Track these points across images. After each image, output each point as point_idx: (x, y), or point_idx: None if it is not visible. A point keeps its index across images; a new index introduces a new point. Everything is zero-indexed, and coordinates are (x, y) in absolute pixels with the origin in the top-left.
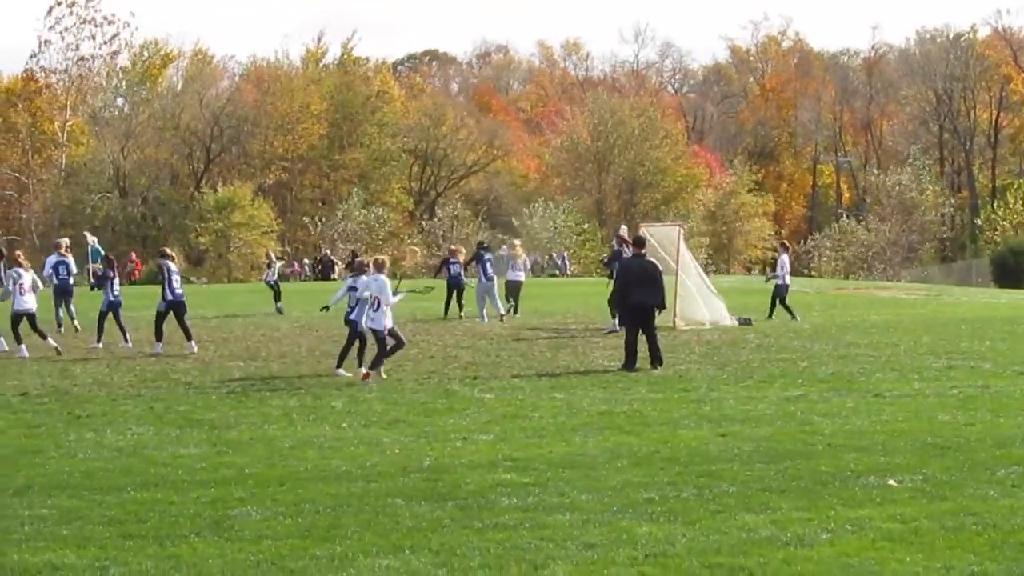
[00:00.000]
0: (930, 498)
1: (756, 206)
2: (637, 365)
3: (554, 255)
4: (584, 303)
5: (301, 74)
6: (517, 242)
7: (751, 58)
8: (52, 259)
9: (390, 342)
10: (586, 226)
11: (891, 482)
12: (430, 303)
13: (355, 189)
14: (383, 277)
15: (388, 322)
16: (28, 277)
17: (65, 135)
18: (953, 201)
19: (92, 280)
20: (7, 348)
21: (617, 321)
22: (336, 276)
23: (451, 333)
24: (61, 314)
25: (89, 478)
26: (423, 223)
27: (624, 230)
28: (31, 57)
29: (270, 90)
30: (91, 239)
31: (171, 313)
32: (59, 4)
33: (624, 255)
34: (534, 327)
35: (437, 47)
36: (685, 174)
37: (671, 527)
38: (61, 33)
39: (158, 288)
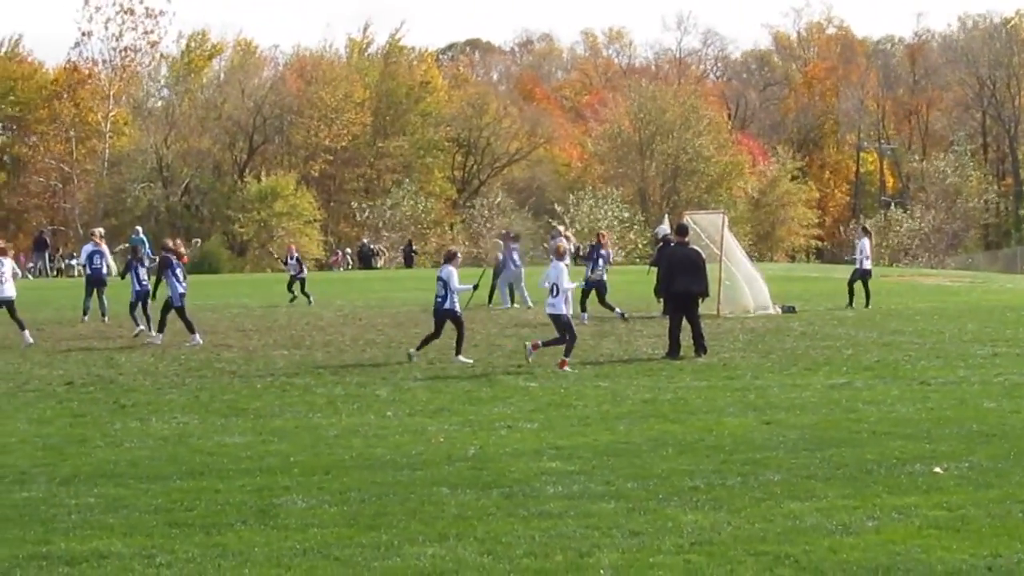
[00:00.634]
0: (976, 486)
1: (799, 193)
2: (681, 353)
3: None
4: (627, 291)
5: (345, 63)
6: (567, 231)
7: (794, 45)
8: (87, 248)
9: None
10: (627, 215)
11: (937, 470)
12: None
13: (404, 180)
14: (561, 264)
15: (568, 308)
16: (8, 265)
17: (108, 125)
18: (997, 188)
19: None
20: (31, 341)
21: (662, 309)
22: (380, 265)
23: (495, 322)
24: (90, 304)
25: (135, 467)
26: (465, 212)
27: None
28: (74, 47)
29: (314, 79)
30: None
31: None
32: None
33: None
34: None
35: (479, 36)
36: (728, 162)
37: (716, 515)
38: (105, 24)
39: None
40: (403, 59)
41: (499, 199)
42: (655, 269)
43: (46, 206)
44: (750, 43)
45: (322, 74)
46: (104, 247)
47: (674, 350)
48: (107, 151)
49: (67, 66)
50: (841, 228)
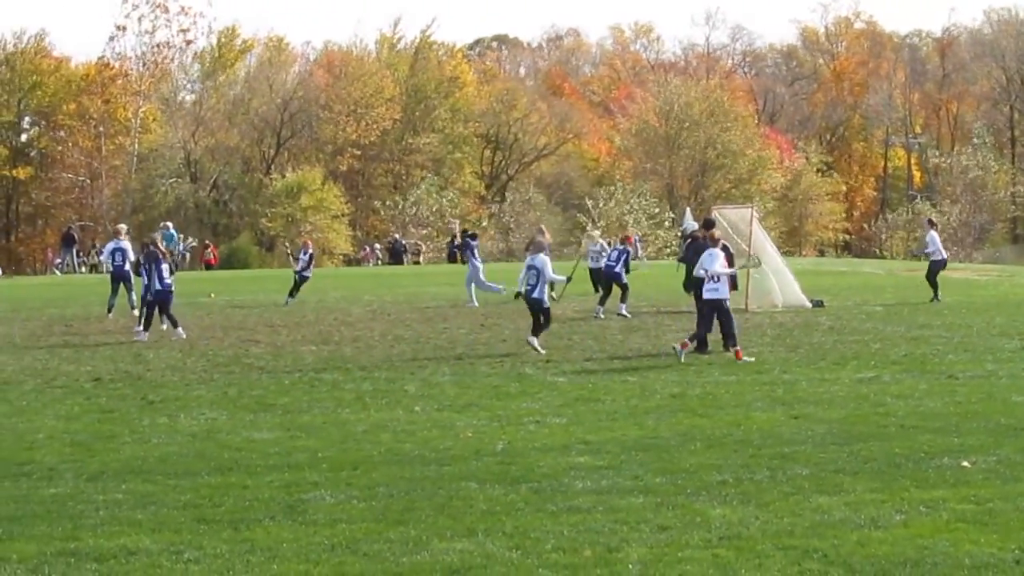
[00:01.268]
0: (1004, 479)
1: (825, 186)
2: (709, 348)
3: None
4: (656, 286)
5: (374, 58)
6: (595, 232)
7: (822, 40)
8: (111, 245)
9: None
10: (655, 210)
11: (965, 464)
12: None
13: (429, 175)
14: (717, 250)
15: (727, 292)
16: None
17: (138, 121)
18: None
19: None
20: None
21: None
22: (408, 261)
23: (524, 316)
24: (115, 301)
25: (163, 463)
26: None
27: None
28: (109, 40)
29: (342, 74)
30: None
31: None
32: None
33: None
34: (606, 310)
35: (506, 32)
36: (756, 157)
37: (745, 509)
38: (139, 19)
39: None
40: (432, 55)
41: (530, 195)
42: (683, 265)
43: (74, 202)
44: (778, 38)
45: (351, 69)
46: (127, 244)
47: (702, 345)
48: (136, 147)
49: (98, 62)
50: (869, 223)
